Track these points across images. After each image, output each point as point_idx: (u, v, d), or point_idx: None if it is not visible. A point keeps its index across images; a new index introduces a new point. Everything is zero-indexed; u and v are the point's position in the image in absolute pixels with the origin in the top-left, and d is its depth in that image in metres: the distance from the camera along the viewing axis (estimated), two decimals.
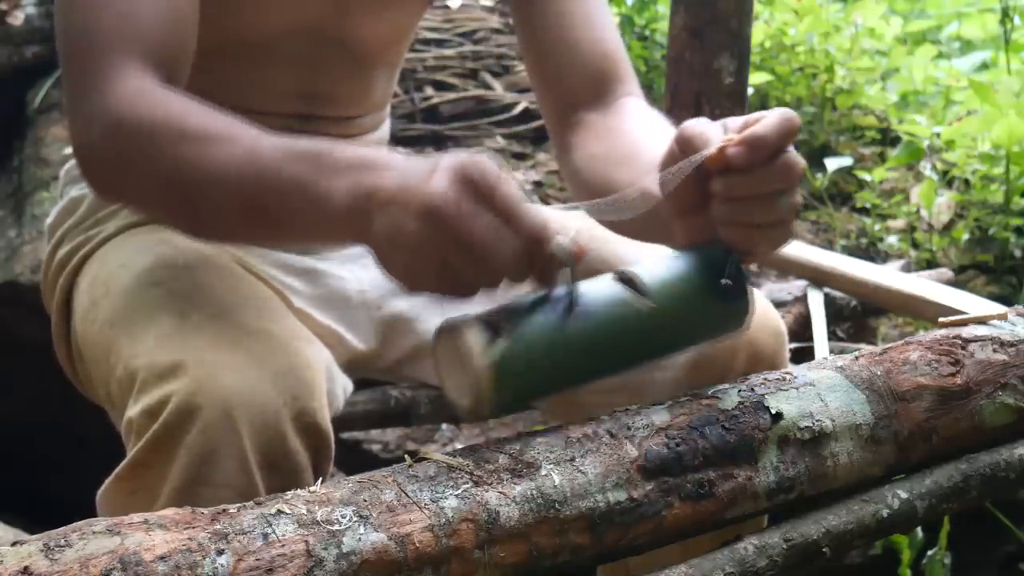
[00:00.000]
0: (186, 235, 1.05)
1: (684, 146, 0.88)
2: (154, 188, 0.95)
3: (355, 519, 0.72)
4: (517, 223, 0.81)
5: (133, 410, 0.94)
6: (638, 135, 1.12)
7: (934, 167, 2.63)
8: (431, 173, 0.81)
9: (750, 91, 2.28)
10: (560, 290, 0.83)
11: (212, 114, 0.94)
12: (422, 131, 2.67)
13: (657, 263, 0.88)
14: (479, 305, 0.84)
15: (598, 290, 0.84)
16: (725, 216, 0.88)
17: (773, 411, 0.87)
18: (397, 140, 1.34)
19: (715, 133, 0.88)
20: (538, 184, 2.54)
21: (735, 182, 0.86)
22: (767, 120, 0.86)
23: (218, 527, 0.71)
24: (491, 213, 0.80)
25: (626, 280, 0.85)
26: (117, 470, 0.97)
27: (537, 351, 0.81)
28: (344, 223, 0.85)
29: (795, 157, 0.87)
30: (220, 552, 0.69)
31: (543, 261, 0.82)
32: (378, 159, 0.86)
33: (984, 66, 3.28)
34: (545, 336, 0.81)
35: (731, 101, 2.13)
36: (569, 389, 0.85)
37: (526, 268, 0.82)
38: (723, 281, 0.87)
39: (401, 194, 0.82)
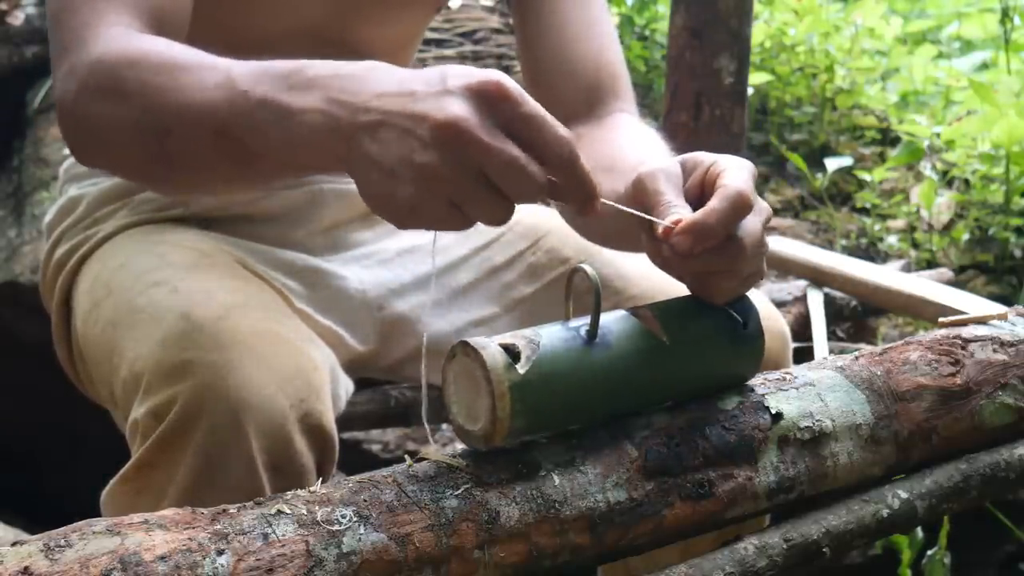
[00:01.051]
0: (159, 187, 0.98)
1: (637, 195, 0.85)
2: (125, 128, 0.88)
3: (355, 519, 0.72)
4: (545, 145, 0.74)
5: (139, 411, 0.94)
6: (624, 144, 1.10)
7: (934, 167, 2.63)
8: (440, 92, 0.73)
9: (750, 91, 2.28)
10: (579, 320, 0.81)
11: (191, 49, 0.88)
12: None
13: (675, 302, 0.87)
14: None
15: (617, 322, 0.82)
16: (680, 277, 0.85)
17: (773, 411, 0.87)
18: None
19: (668, 193, 0.83)
20: None
21: (679, 263, 0.82)
22: (714, 206, 0.80)
23: (218, 527, 0.71)
24: (514, 134, 0.73)
25: (644, 316, 0.83)
26: (122, 471, 0.97)
27: (558, 379, 0.78)
28: (318, 144, 0.77)
29: (745, 238, 0.81)
30: (220, 552, 0.69)
31: (575, 183, 0.76)
32: (360, 73, 0.77)
33: (984, 66, 3.28)
34: (566, 365, 0.78)
35: (731, 101, 2.14)
36: (582, 423, 0.83)
37: (549, 193, 0.76)
38: (737, 320, 0.86)
39: (403, 116, 0.73)
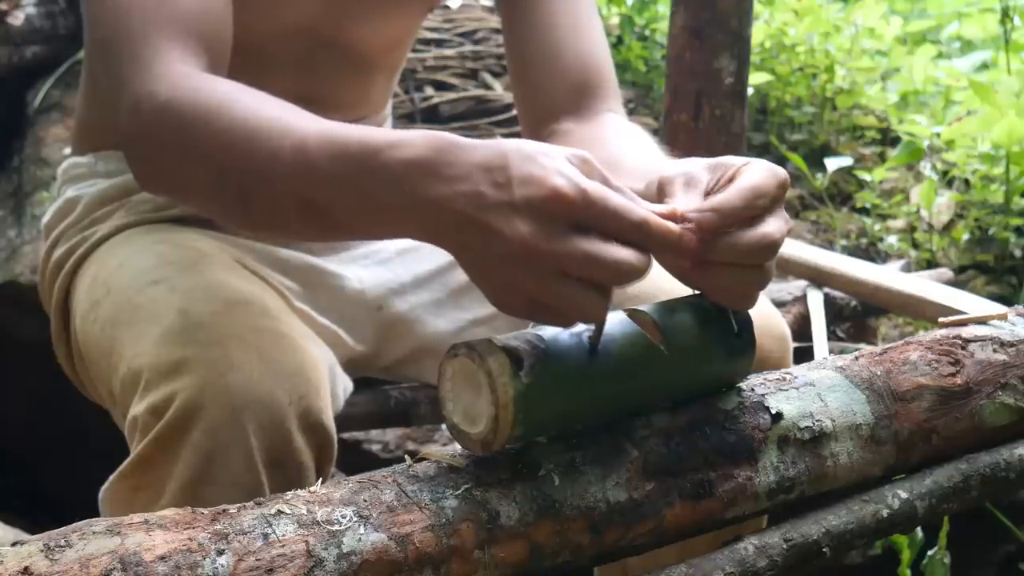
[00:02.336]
0: (241, 228, 1.02)
1: (658, 197, 0.84)
2: (205, 180, 0.90)
3: (355, 519, 0.72)
4: (621, 231, 0.74)
5: (138, 408, 0.94)
6: (620, 144, 1.09)
7: (934, 167, 2.63)
8: (507, 204, 0.73)
9: (750, 91, 2.28)
10: (582, 326, 0.80)
11: (258, 102, 0.89)
12: None
13: (674, 306, 0.85)
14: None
15: (617, 328, 0.81)
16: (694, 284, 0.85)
17: (773, 411, 0.87)
18: None
19: (682, 197, 0.83)
20: None
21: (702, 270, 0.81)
22: (728, 195, 0.80)
23: (218, 527, 0.70)
24: (591, 227, 0.74)
25: (642, 320, 0.83)
26: (121, 467, 0.97)
27: (562, 389, 0.77)
28: (412, 229, 0.79)
29: (749, 237, 0.80)
30: (220, 552, 0.69)
31: (662, 245, 0.76)
32: (436, 159, 0.76)
33: (984, 66, 3.28)
34: (570, 374, 0.78)
35: (731, 101, 2.14)
36: (576, 429, 0.82)
37: (645, 267, 0.76)
38: (732, 329, 0.86)
39: (478, 226, 0.74)
